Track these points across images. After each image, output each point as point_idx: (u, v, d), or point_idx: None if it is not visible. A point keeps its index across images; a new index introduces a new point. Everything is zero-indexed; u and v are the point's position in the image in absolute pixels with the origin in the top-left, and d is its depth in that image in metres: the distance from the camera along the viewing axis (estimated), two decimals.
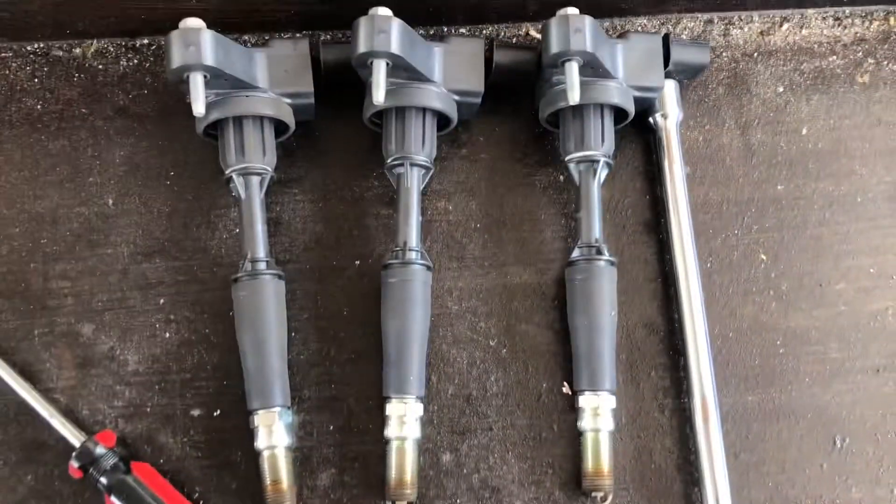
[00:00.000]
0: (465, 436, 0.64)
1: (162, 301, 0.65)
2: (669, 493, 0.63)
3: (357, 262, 0.67)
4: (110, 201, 0.67)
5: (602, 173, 0.66)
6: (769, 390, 0.65)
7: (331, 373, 0.65)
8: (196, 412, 0.63)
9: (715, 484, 0.61)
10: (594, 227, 0.65)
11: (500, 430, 0.64)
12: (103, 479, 0.58)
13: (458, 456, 0.63)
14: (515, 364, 0.65)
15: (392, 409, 0.61)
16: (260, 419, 0.60)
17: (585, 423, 0.62)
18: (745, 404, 0.65)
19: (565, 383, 0.65)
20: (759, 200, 0.70)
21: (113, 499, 0.58)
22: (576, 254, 0.65)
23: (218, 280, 0.66)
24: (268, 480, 0.60)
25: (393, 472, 0.61)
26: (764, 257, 0.68)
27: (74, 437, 0.60)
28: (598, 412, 0.62)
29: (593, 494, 0.62)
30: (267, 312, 0.62)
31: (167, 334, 0.65)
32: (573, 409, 0.64)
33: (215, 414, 0.63)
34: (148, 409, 0.63)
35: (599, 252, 0.64)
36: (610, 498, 0.62)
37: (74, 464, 0.58)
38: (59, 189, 0.67)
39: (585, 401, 0.62)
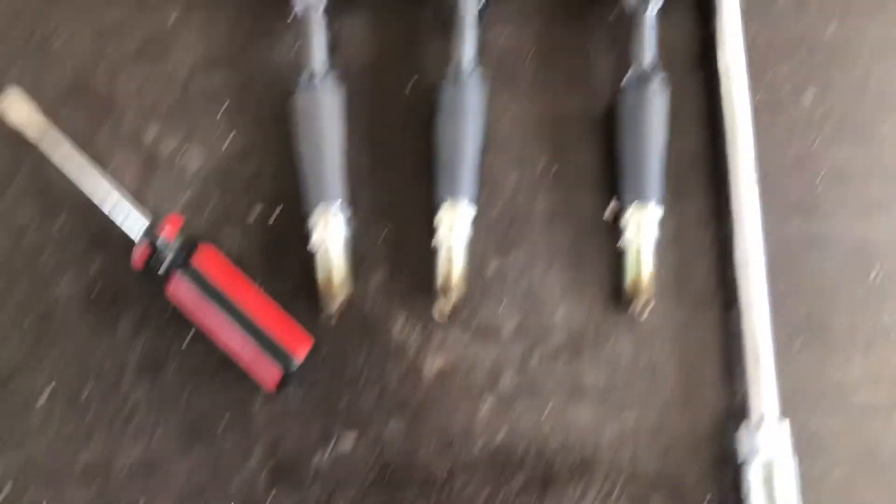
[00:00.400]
0: (510, 249, 0.66)
1: (222, 110, 0.68)
2: (707, 311, 0.65)
3: (413, 81, 0.68)
4: (174, 14, 0.69)
5: (656, 3, 0.67)
6: (810, 220, 0.67)
7: (383, 185, 0.67)
8: (254, 215, 0.66)
9: (753, 306, 0.63)
10: (647, 54, 0.66)
11: (544, 246, 0.66)
12: (167, 263, 0.61)
13: (503, 267, 0.66)
14: (561, 186, 0.67)
15: (444, 212, 0.63)
16: (316, 219, 0.63)
17: (629, 234, 0.64)
18: (786, 233, 0.66)
19: (609, 205, 0.67)
20: (810, 40, 0.70)
21: (177, 280, 0.61)
22: (628, 80, 0.66)
23: (276, 93, 0.68)
24: (322, 277, 0.63)
25: (444, 272, 0.63)
26: (811, 96, 0.69)
27: (141, 223, 0.62)
28: (642, 225, 0.64)
29: (635, 303, 0.64)
30: (325, 119, 0.64)
31: (226, 142, 0.67)
32: (616, 231, 0.66)
33: (272, 217, 0.66)
34: (210, 208, 0.66)
35: (651, 79, 0.66)
36: (649, 308, 0.64)
37: (141, 247, 0.61)
38: (127, 1, 0.69)
39: (630, 214, 0.64)
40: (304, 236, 0.64)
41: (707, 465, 0.62)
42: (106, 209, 0.62)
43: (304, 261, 0.64)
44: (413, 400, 0.63)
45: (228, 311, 0.60)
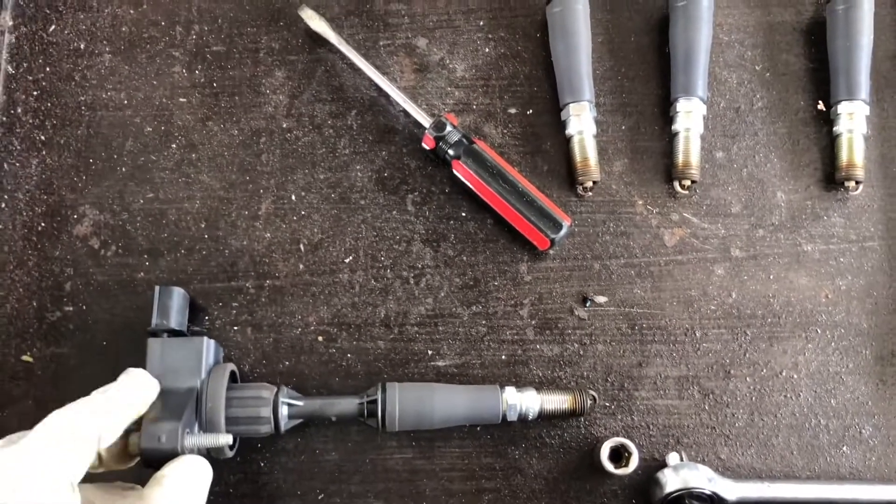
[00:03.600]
0: (734, 139, 0.76)
1: (482, 23, 0.79)
2: None
3: None
4: None
5: None
6: None
7: (622, 85, 0.78)
8: (513, 110, 0.77)
9: None
10: None
11: (764, 136, 0.76)
12: (451, 150, 0.73)
13: (729, 154, 0.76)
14: (777, 85, 0.77)
15: (680, 105, 0.74)
16: (571, 110, 0.74)
17: (841, 126, 0.74)
18: None
19: (820, 101, 0.77)
20: None
21: (461, 163, 0.72)
22: None
23: (528, 6, 0.79)
24: (578, 159, 0.74)
25: (680, 157, 0.74)
26: None
27: (424, 118, 0.74)
28: (853, 117, 0.74)
29: (846, 184, 0.74)
30: (578, 24, 0.75)
31: (487, 49, 0.78)
32: (826, 123, 0.76)
33: (529, 112, 0.77)
34: (474, 107, 0.77)
35: None
36: (860, 188, 0.74)
37: (431, 134, 0.73)
38: None
39: (843, 107, 0.74)
40: (555, 132, 0.75)
41: None
42: (399, 100, 0.73)
43: (556, 153, 0.75)
44: (655, 267, 0.74)
45: (507, 184, 0.71)
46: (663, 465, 0.68)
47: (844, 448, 0.70)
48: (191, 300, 0.71)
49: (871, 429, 0.70)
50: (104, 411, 0.55)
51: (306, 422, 0.68)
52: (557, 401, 0.67)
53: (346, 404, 0.66)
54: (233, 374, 0.67)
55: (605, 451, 0.67)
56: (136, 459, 0.58)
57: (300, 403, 0.66)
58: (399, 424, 0.65)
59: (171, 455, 0.57)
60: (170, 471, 0.55)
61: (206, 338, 0.65)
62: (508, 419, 0.66)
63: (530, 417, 0.67)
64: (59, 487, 0.48)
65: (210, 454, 0.63)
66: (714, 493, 0.65)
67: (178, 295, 0.67)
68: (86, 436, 0.52)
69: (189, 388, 0.63)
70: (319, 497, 0.69)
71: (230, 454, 0.65)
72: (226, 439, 0.61)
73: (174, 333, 0.67)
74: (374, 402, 0.65)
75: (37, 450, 0.48)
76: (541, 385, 0.71)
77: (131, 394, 0.59)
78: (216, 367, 0.65)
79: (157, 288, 0.67)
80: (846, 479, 0.69)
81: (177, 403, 0.61)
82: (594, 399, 0.69)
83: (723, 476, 0.67)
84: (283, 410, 0.65)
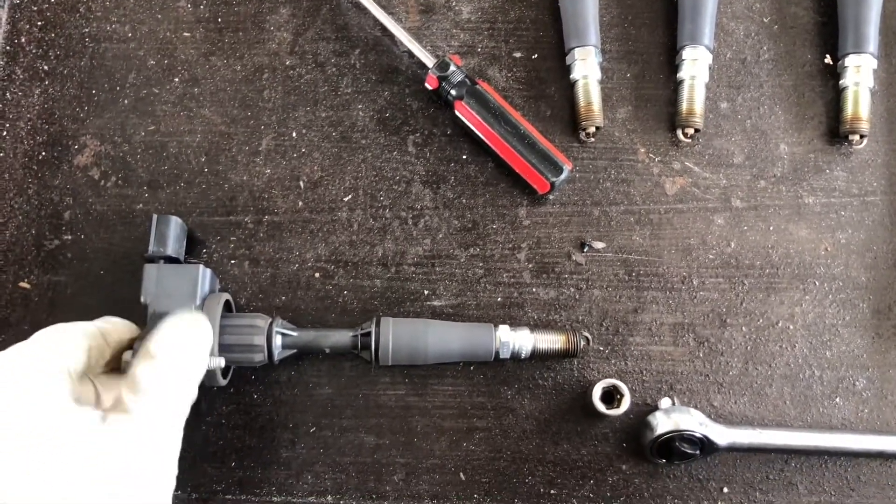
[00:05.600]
0: (739, 90, 0.76)
1: None
2: None
3: None
4: None
5: None
6: None
7: (628, 32, 0.77)
8: (518, 54, 0.77)
9: None
10: None
11: (769, 88, 0.76)
12: (454, 91, 0.72)
13: (733, 105, 0.76)
14: (784, 38, 0.77)
15: (686, 53, 0.74)
16: (576, 54, 0.74)
17: (848, 79, 0.73)
18: None
19: (827, 55, 0.76)
20: None
21: (463, 103, 0.72)
22: None
23: None
24: (581, 103, 0.74)
25: (684, 105, 0.74)
26: None
27: (428, 58, 0.73)
28: (859, 70, 0.73)
29: (850, 137, 0.73)
30: None
31: None
32: (833, 77, 0.75)
33: (534, 56, 0.77)
34: (478, 50, 0.77)
35: None
36: (864, 142, 0.74)
37: (434, 74, 0.72)
38: None
39: (850, 60, 0.73)
40: (560, 78, 0.75)
41: None
42: (404, 40, 0.73)
43: (559, 98, 0.75)
44: (655, 215, 0.73)
45: (508, 126, 0.71)
46: (655, 409, 0.68)
47: (837, 399, 0.70)
48: (189, 232, 0.71)
49: (864, 381, 0.70)
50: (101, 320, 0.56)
51: (300, 354, 0.68)
52: (550, 340, 0.67)
53: (340, 336, 0.66)
54: (228, 304, 0.67)
55: (596, 392, 0.67)
56: None
57: (294, 334, 0.66)
58: (392, 358, 0.65)
59: None
60: (161, 340, 0.54)
61: (201, 266, 0.65)
62: (501, 357, 0.67)
63: (523, 356, 0.67)
64: (53, 372, 0.48)
65: (204, 382, 0.63)
66: (705, 437, 0.65)
67: (175, 224, 0.68)
68: (83, 329, 0.54)
69: None
70: (311, 430, 0.69)
71: (223, 382, 0.65)
72: (217, 362, 0.61)
73: (170, 261, 0.67)
74: (368, 335, 0.65)
75: (30, 344, 0.49)
76: (535, 326, 0.70)
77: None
78: (211, 296, 0.65)
79: (154, 216, 0.67)
80: (838, 429, 0.69)
81: None
82: (588, 340, 0.69)
83: (715, 422, 0.67)
84: (277, 340, 0.65)
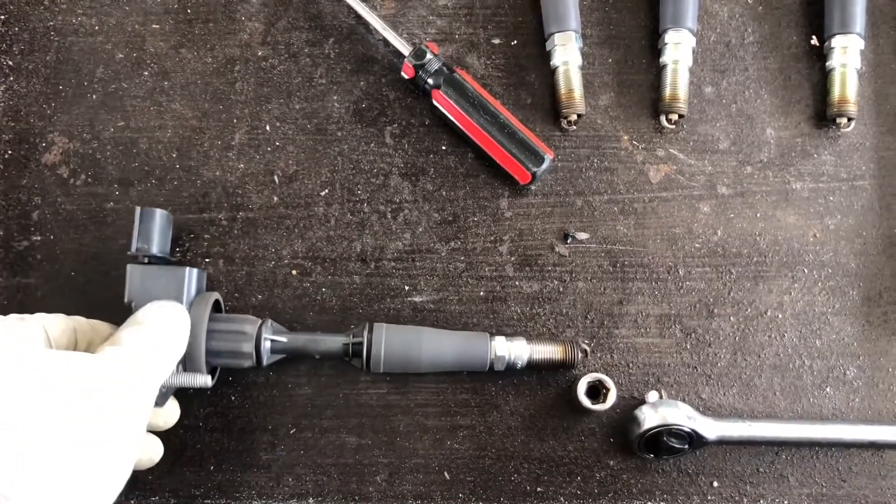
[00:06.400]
0: (724, 74, 0.74)
1: None
2: None
3: None
4: None
5: None
6: None
7: (610, 17, 0.75)
8: (497, 41, 0.75)
9: None
10: None
11: (754, 71, 0.74)
12: (430, 80, 0.70)
13: (718, 89, 0.74)
14: (769, 19, 0.75)
15: (669, 37, 0.72)
16: (556, 39, 0.72)
17: (835, 60, 0.72)
18: None
19: (813, 36, 0.74)
20: None
21: (441, 92, 0.70)
22: None
23: None
24: (562, 90, 0.72)
25: (667, 90, 0.72)
26: None
27: (404, 46, 0.71)
28: (846, 51, 0.71)
29: (837, 120, 0.72)
30: None
31: None
32: (820, 58, 0.73)
33: (513, 43, 0.74)
34: (456, 37, 0.75)
35: None
36: (852, 125, 0.72)
37: (410, 62, 0.70)
38: None
39: (836, 41, 0.72)
40: (540, 65, 0.73)
41: None
42: (379, 28, 0.71)
43: (540, 86, 0.73)
44: (639, 203, 0.72)
45: (488, 115, 0.69)
46: (642, 403, 0.66)
47: (828, 389, 0.69)
48: None
49: (855, 370, 0.69)
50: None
51: (289, 357, 0.66)
52: (548, 351, 0.65)
53: (331, 343, 0.64)
54: (217, 302, 0.65)
55: (581, 387, 0.66)
56: None
57: (284, 339, 0.64)
58: (384, 367, 0.63)
59: None
60: (148, 316, 0.57)
61: (188, 267, 0.62)
62: (496, 369, 0.65)
63: (518, 367, 0.65)
64: (32, 325, 0.54)
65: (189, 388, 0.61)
66: (693, 431, 0.63)
67: (160, 217, 0.63)
68: (61, 316, 0.57)
69: None
70: (291, 431, 0.68)
71: (210, 385, 0.63)
72: (203, 380, 0.59)
73: (155, 259, 0.64)
74: (360, 343, 0.63)
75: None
76: (520, 321, 0.69)
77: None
78: (198, 297, 0.63)
79: (137, 209, 0.62)
80: (828, 419, 0.68)
81: None
82: (586, 352, 0.67)
83: (703, 415, 0.65)
84: (266, 345, 0.63)
